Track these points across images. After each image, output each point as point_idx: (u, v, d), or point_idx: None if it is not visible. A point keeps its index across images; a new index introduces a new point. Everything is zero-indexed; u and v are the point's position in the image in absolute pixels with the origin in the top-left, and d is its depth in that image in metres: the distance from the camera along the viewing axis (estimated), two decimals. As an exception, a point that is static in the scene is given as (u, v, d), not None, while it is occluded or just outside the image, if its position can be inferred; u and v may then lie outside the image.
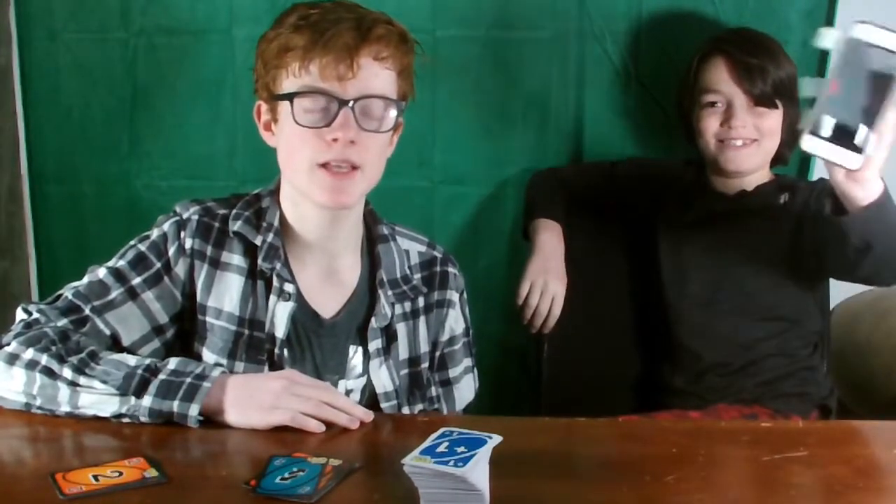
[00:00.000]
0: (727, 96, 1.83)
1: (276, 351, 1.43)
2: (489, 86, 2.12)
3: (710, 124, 1.86)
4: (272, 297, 1.44)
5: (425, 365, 1.53)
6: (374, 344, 1.47)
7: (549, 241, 1.95)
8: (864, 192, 1.36)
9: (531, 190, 2.08)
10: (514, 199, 2.14)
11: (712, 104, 1.85)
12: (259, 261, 1.43)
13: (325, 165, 1.37)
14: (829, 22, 2.04)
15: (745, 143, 1.84)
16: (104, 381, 1.28)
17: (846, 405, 1.97)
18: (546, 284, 1.89)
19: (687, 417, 1.72)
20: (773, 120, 1.84)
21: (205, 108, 2.14)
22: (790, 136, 1.84)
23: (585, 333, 2.03)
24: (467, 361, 1.60)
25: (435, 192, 2.15)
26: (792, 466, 1.19)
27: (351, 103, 1.35)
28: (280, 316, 1.43)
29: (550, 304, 1.88)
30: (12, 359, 1.31)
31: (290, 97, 1.37)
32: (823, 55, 2.06)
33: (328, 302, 1.48)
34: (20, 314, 1.39)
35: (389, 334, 1.49)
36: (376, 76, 1.37)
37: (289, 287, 1.44)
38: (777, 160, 1.91)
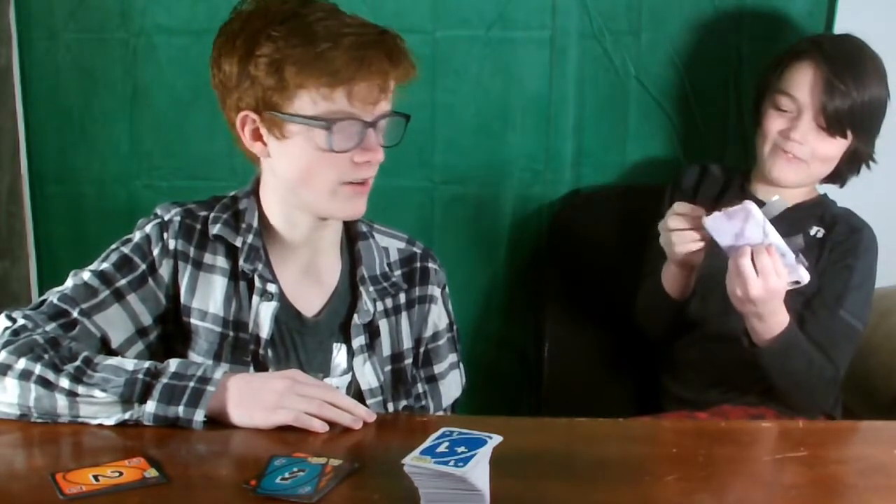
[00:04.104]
0: (800, 107, 1.76)
1: (261, 351, 1.44)
2: (489, 86, 2.11)
3: (775, 125, 1.79)
4: (255, 298, 1.44)
5: (408, 361, 1.54)
6: (358, 341, 1.48)
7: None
8: (761, 325, 1.58)
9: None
10: (513, 200, 2.14)
11: (784, 109, 1.78)
12: (240, 262, 1.44)
13: (348, 182, 1.38)
14: (830, 22, 2.04)
15: (794, 160, 1.78)
16: (104, 390, 1.27)
17: (846, 405, 1.97)
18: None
19: (692, 417, 1.70)
20: (833, 148, 1.77)
21: (205, 108, 2.12)
22: (853, 161, 1.81)
23: (586, 333, 2.03)
24: (452, 357, 1.60)
25: (435, 192, 2.15)
26: (792, 466, 1.19)
27: (375, 124, 1.36)
28: (264, 316, 1.44)
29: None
30: (4, 369, 1.28)
31: (325, 125, 1.33)
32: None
33: (310, 301, 1.48)
34: (4, 321, 1.36)
35: (372, 331, 1.49)
36: (392, 95, 1.38)
37: (271, 287, 1.44)
38: (833, 179, 1.86)
